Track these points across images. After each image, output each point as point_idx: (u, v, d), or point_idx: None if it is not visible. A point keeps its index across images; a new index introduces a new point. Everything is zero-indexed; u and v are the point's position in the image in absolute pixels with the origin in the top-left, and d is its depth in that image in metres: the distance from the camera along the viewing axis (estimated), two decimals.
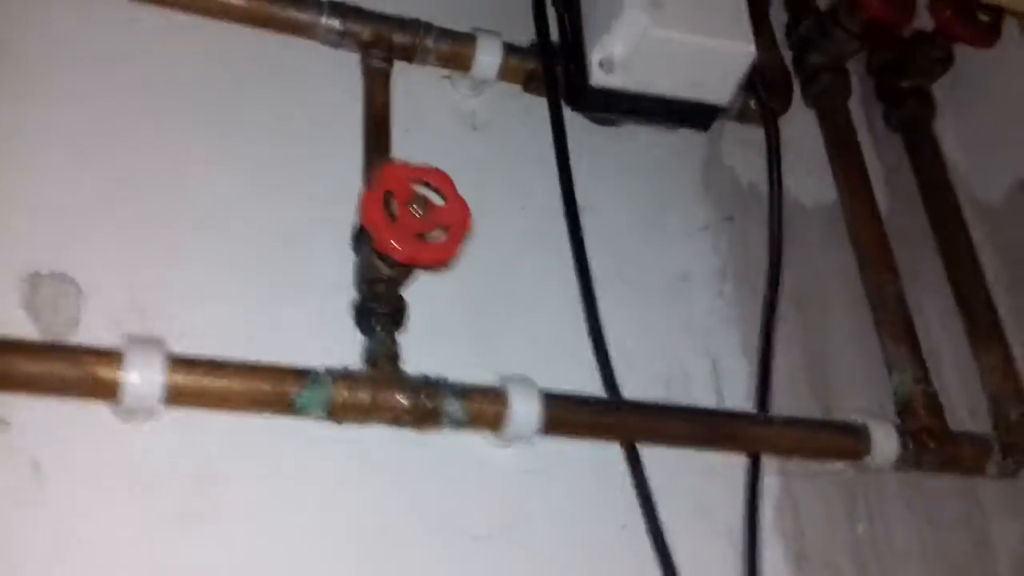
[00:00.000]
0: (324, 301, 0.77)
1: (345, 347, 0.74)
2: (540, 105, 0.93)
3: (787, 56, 1.07)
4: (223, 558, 0.67)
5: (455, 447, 0.76)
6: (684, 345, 0.91)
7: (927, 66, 1.10)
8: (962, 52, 1.09)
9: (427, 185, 0.69)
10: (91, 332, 0.69)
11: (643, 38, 0.78)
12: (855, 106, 1.10)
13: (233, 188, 0.78)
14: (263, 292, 0.76)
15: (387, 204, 0.66)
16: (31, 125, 0.73)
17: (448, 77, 0.92)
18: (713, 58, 0.82)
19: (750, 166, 1.03)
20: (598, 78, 0.82)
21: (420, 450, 0.75)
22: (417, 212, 0.67)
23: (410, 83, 0.88)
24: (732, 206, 1.00)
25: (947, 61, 1.09)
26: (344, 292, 0.77)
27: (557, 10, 0.90)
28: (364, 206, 0.66)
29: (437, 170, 0.69)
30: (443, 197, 0.69)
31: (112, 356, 0.63)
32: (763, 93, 0.92)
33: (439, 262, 0.67)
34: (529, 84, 0.92)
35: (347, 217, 0.79)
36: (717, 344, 0.92)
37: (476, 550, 0.75)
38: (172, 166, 0.77)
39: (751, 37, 0.81)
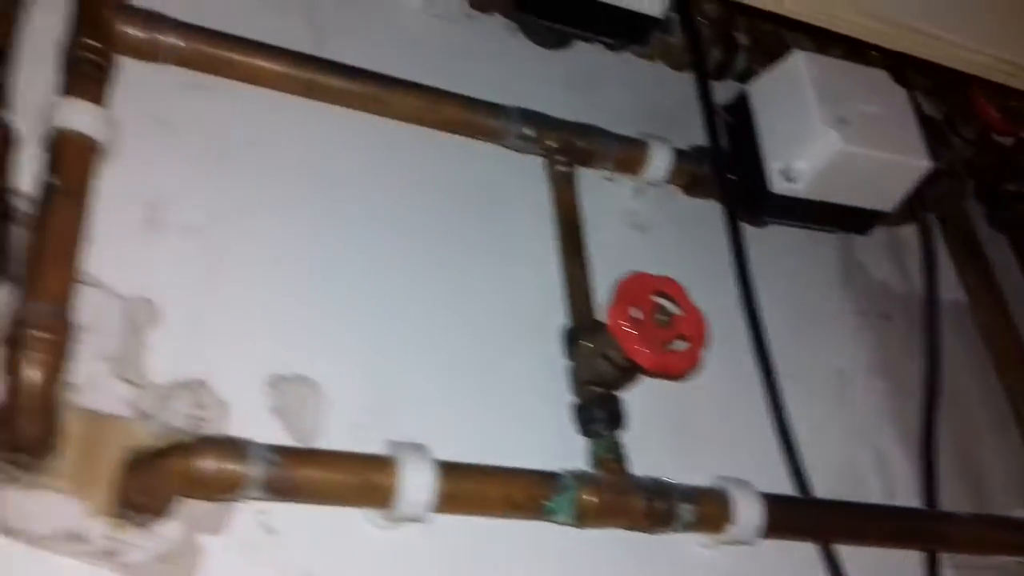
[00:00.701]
0: (536, 403, 0.78)
1: (562, 445, 0.76)
2: (699, 207, 0.97)
3: None
4: None
5: (669, 549, 0.77)
6: (848, 440, 0.94)
7: None
8: None
9: (662, 294, 0.71)
10: (334, 435, 0.69)
11: (834, 154, 0.82)
12: None
13: (444, 294, 0.80)
14: (480, 394, 0.77)
15: (631, 313, 0.69)
16: (275, 239, 0.75)
17: (610, 179, 0.95)
18: (892, 171, 0.87)
19: (880, 265, 1.08)
20: (779, 186, 0.86)
21: (637, 551, 0.76)
22: (661, 321, 0.69)
23: (580, 183, 0.91)
24: (873, 303, 1.04)
25: None
26: (555, 392, 0.78)
27: (725, 121, 0.94)
28: (611, 316, 0.69)
29: (671, 279, 0.72)
30: (678, 306, 0.71)
31: (385, 463, 0.63)
32: (925, 202, 0.96)
33: (685, 371, 0.69)
34: (692, 188, 0.96)
35: (552, 316, 0.81)
36: (878, 439, 0.95)
37: None
38: (391, 275, 0.79)
39: (926, 152, 0.86)
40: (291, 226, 0.77)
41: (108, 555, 0.60)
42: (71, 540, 0.59)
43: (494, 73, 0.94)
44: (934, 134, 1.10)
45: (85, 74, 0.68)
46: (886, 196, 0.91)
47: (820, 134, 0.84)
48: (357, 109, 0.82)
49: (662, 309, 0.70)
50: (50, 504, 0.60)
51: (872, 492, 0.91)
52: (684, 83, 1.06)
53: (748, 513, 0.74)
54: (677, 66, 1.05)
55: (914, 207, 0.98)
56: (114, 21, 0.71)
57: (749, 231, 0.99)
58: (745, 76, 1.07)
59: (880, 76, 0.90)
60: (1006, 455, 0.99)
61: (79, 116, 0.66)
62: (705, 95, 0.93)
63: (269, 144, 0.79)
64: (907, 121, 0.88)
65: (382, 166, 0.83)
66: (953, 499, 0.95)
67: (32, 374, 0.57)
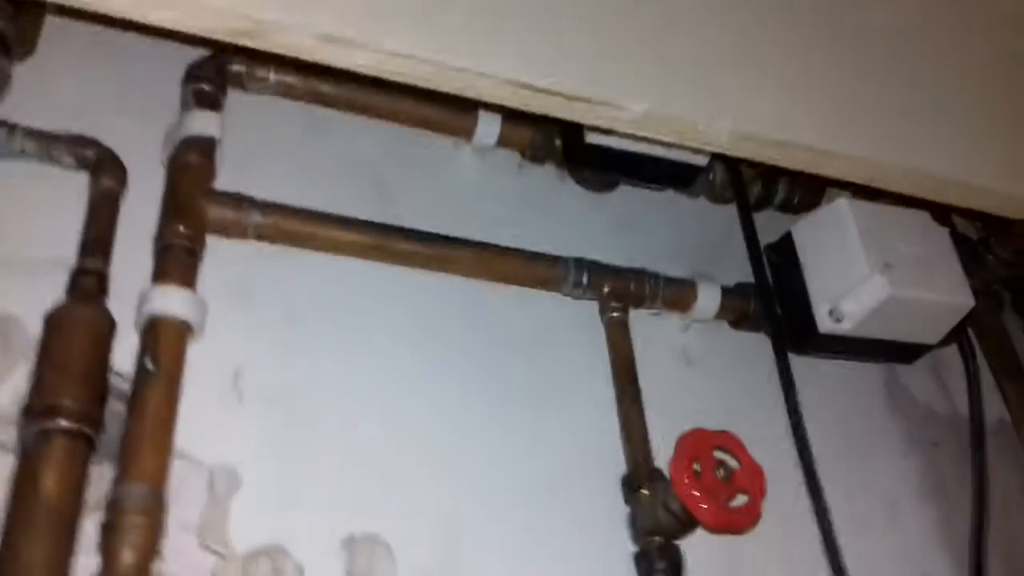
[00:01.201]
0: (599, 551, 0.81)
1: None
2: (745, 340, 1.00)
3: None
4: None
5: None
6: (899, 568, 0.95)
7: None
8: None
9: (722, 448, 0.74)
10: None
11: (878, 297, 0.86)
12: None
13: (506, 446, 0.84)
14: (544, 546, 0.80)
15: (693, 468, 0.72)
16: (347, 401, 0.80)
17: (657, 315, 0.99)
18: (937, 310, 0.90)
19: (923, 388, 1.10)
20: (827, 326, 0.89)
21: None
22: (721, 477, 0.72)
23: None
24: (919, 427, 1.06)
25: None
26: (615, 540, 0.81)
27: (770, 259, 0.98)
28: (674, 471, 0.72)
29: (729, 434, 0.75)
30: (737, 459, 0.74)
31: None
32: (968, 334, 0.99)
33: (747, 527, 0.72)
34: (739, 323, 0.99)
35: (611, 462, 0.84)
36: (929, 565, 0.96)
37: None
38: (455, 429, 0.83)
39: (968, 291, 0.89)
40: (362, 387, 0.81)
41: None
42: None
43: (547, 220, 0.99)
44: (969, 252, 1.13)
45: (177, 259, 0.73)
46: (931, 332, 0.94)
47: (867, 279, 0.87)
48: (422, 268, 0.87)
49: (722, 464, 0.73)
50: None
51: None
52: (726, 216, 1.10)
53: None
54: (719, 200, 1.09)
55: (955, 330, 1.00)
56: (206, 206, 0.77)
57: (798, 362, 1.02)
58: (784, 205, 1.11)
59: (922, 217, 0.94)
60: None
61: (172, 301, 0.71)
62: (751, 235, 0.97)
63: (341, 307, 0.84)
64: (950, 261, 0.92)
65: (446, 321, 0.88)
66: None
67: (127, 558, 0.61)
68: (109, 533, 0.62)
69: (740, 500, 0.73)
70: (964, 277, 0.91)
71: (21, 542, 0.58)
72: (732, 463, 0.74)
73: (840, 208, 0.91)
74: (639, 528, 0.80)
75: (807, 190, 1.11)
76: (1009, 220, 1.05)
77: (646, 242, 1.03)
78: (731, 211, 1.11)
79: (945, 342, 1.05)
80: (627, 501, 0.82)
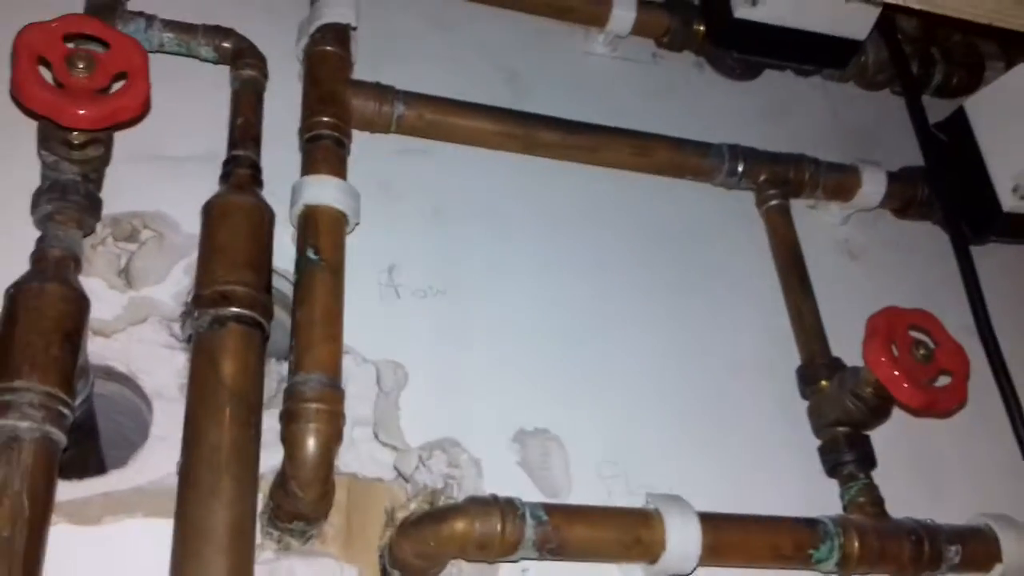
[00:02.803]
0: (776, 446, 0.77)
1: (806, 488, 0.74)
2: (909, 229, 0.94)
3: None
4: None
5: None
6: None
7: None
8: None
9: (918, 328, 0.69)
10: (584, 490, 0.69)
11: None
12: None
13: (671, 340, 0.80)
14: (716, 439, 0.76)
15: (891, 350, 0.66)
16: (504, 296, 0.77)
17: (813, 207, 0.93)
18: None
19: None
20: (1011, 204, 0.82)
21: None
22: (922, 357, 0.66)
23: None
24: None
25: None
26: (793, 433, 0.76)
27: (939, 138, 0.91)
28: (870, 353, 0.67)
29: (926, 312, 0.69)
30: (934, 340, 0.68)
31: (651, 517, 0.63)
32: None
33: (954, 407, 0.66)
34: (905, 210, 0.93)
35: (778, 356, 0.79)
36: None
37: None
38: (617, 323, 0.79)
39: None
40: (519, 282, 0.78)
41: None
42: None
43: (685, 109, 0.94)
44: None
45: (327, 149, 0.70)
46: None
47: None
48: (569, 160, 0.83)
49: (921, 344, 0.68)
50: (325, 570, 0.61)
51: None
52: (878, 101, 1.04)
53: (1018, 550, 0.70)
54: (869, 85, 1.02)
55: None
56: (349, 96, 0.73)
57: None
58: (942, 90, 1.04)
59: None
60: None
61: (327, 190, 0.68)
62: (920, 114, 0.90)
63: (488, 202, 0.80)
64: None
65: (598, 214, 0.84)
66: None
67: (311, 444, 0.59)
68: (290, 421, 0.59)
69: (942, 381, 0.67)
70: None
71: (208, 429, 0.56)
72: (930, 343, 0.68)
73: (1021, 75, 0.83)
74: (822, 420, 0.75)
75: (967, 71, 1.03)
76: None
77: (793, 131, 0.97)
78: (883, 96, 1.04)
79: None
80: (804, 394, 0.77)
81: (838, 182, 0.89)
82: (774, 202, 0.86)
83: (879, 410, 0.70)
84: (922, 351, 0.67)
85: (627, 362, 0.77)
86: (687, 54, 0.98)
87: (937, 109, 0.99)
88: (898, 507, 0.73)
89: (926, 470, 0.80)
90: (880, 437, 0.77)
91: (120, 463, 0.62)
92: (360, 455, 0.66)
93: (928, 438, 0.81)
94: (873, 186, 0.89)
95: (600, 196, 0.85)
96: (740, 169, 0.85)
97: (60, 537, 0.55)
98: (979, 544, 0.70)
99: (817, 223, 0.93)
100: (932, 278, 0.92)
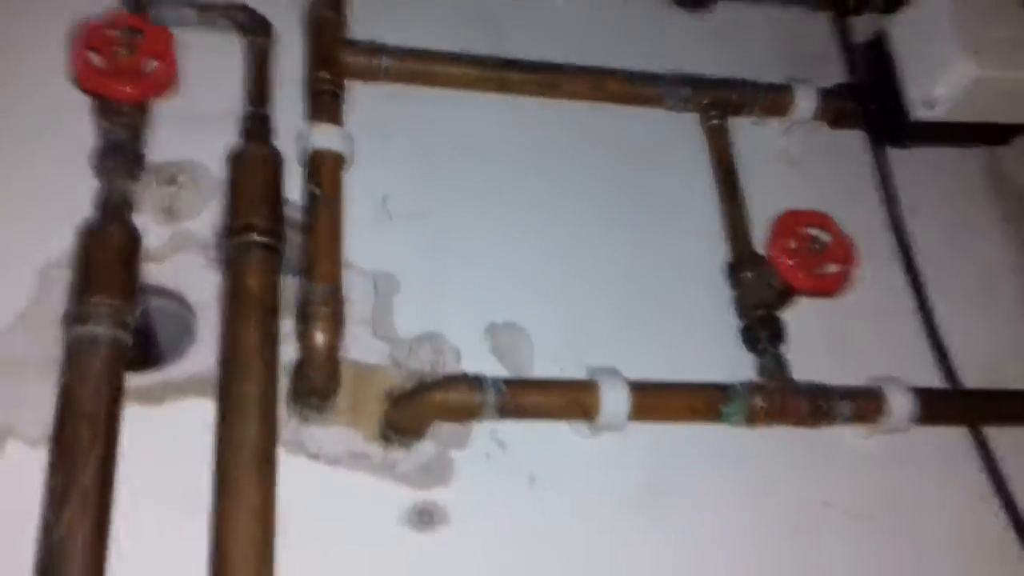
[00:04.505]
0: (708, 327, 0.93)
1: (730, 361, 0.90)
2: (843, 137, 1.07)
3: None
4: (674, 536, 0.83)
5: (831, 441, 0.90)
6: (998, 335, 1.03)
7: None
8: None
9: (816, 226, 0.83)
10: (543, 368, 0.86)
11: (968, 80, 0.91)
12: None
13: (622, 245, 0.95)
14: (658, 325, 0.92)
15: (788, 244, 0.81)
16: (481, 215, 0.93)
17: (758, 122, 1.06)
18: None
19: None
20: (919, 113, 0.95)
21: (802, 444, 0.89)
22: (815, 250, 0.81)
23: (731, 131, 1.03)
24: (1018, 207, 1.11)
25: None
26: (721, 317, 0.92)
27: (866, 57, 1.03)
28: (771, 248, 0.82)
29: (820, 212, 0.84)
30: (830, 235, 0.83)
31: (589, 385, 0.80)
32: None
33: (836, 291, 0.81)
34: (837, 122, 1.06)
35: (713, 255, 0.95)
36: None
37: (857, 527, 0.89)
38: (577, 233, 0.94)
39: None
40: (493, 203, 0.93)
41: (386, 468, 0.79)
42: (358, 458, 0.79)
43: (649, 41, 1.07)
44: None
45: (326, 102, 0.86)
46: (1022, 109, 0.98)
47: (957, 63, 0.92)
48: (538, 96, 0.97)
49: (815, 239, 0.83)
50: (337, 434, 0.80)
51: (1017, 382, 1.00)
52: (825, 22, 1.15)
53: (900, 406, 0.86)
54: (815, 7, 1.14)
55: None
56: (343, 54, 0.89)
57: (897, 154, 1.09)
58: (886, 6, 1.14)
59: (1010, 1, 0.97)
60: None
61: (328, 137, 0.84)
62: (844, 35, 1.02)
63: (467, 137, 0.96)
64: None
65: (561, 141, 0.99)
66: None
67: (320, 339, 0.76)
68: (303, 321, 0.77)
69: (832, 269, 0.82)
70: None
71: (240, 329, 0.74)
72: (825, 237, 0.83)
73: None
74: (743, 305, 0.90)
75: None
76: None
77: (747, 54, 1.10)
78: (830, 18, 1.16)
79: None
80: (732, 284, 0.93)
81: (774, 100, 1.02)
82: (714, 122, 1.00)
83: (784, 294, 0.85)
84: (815, 245, 0.82)
85: (584, 265, 0.93)
86: None
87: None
88: (812, 374, 0.89)
89: (838, 344, 0.95)
90: (800, 317, 0.93)
91: (176, 358, 0.81)
92: (362, 347, 0.84)
93: (843, 318, 0.96)
94: (806, 102, 1.02)
95: (563, 125, 0.99)
96: (687, 94, 0.99)
97: (132, 414, 0.74)
98: (868, 401, 0.86)
99: (760, 137, 1.06)
100: (863, 178, 1.05)
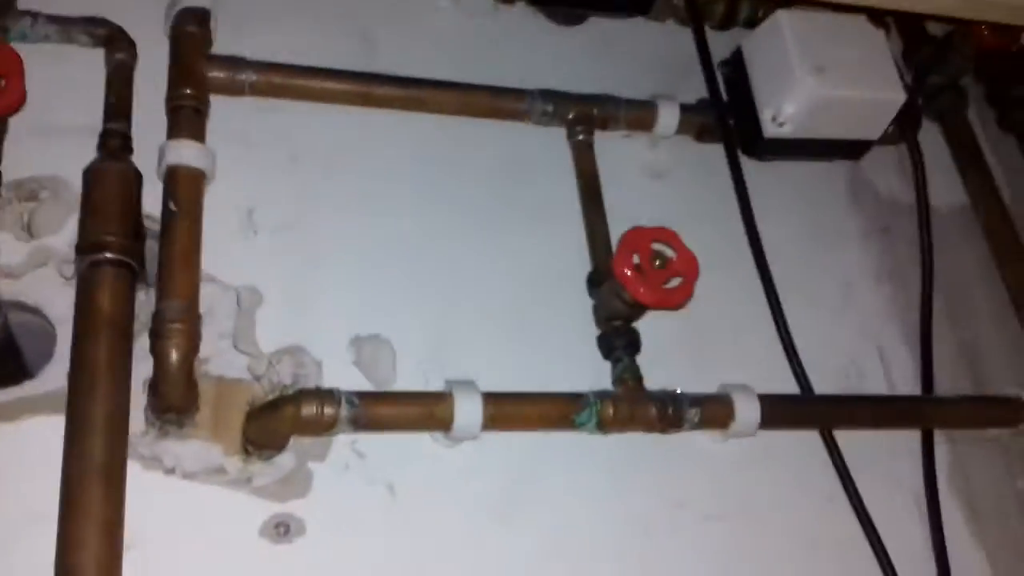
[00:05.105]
0: (570, 337, 0.95)
1: (592, 371, 0.93)
2: (710, 151, 1.11)
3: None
4: (529, 538, 0.86)
5: (686, 445, 0.93)
6: (854, 342, 1.08)
7: None
8: None
9: (661, 241, 0.87)
10: (406, 380, 0.89)
11: (811, 99, 0.95)
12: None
13: (488, 258, 0.97)
14: (523, 336, 0.95)
15: (632, 260, 0.85)
16: (347, 228, 0.94)
17: (628, 136, 1.09)
18: (869, 106, 0.99)
19: (888, 181, 1.19)
20: (771, 131, 0.99)
21: (658, 449, 0.93)
22: (658, 265, 0.85)
23: (599, 145, 1.06)
24: (879, 217, 1.16)
25: None
26: (584, 328, 0.95)
27: (723, 73, 1.07)
28: (616, 264, 0.85)
29: (666, 229, 0.87)
30: (673, 250, 0.86)
31: (444, 397, 0.82)
32: (908, 125, 1.08)
33: (678, 305, 0.85)
34: (701, 136, 1.09)
35: (579, 267, 0.98)
36: (882, 338, 1.08)
37: (710, 528, 0.93)
38: (443, 246, 0.96)
39: (900, 86, 0.98)
40: (361, 216, 0.94)
41: (242, 482, 0.80)
42: (214, 473, 0.80)
43: (522, 56, 1.10)
44: (934, 51, 1.20)
45: (187, 118, 0.87)
46: (870, 127, 1.03)
47: (801, 83, 0.96)
48: (404, 110, 0.99)
49: (659, 254, 0.86)
50: (196, 449, 0.81)
51: (875, 385, 1.05)
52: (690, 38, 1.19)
53: (747, 411, 0.90)
54: (685, 21, 1.17)
55: (903, 130, 1.09)
56: (205, 69, 0.90)
57: (762, 166, 1.13)
58: (750, 22, 1.18)
59: (858, 21, 1.02)
60: (1005, 343, 1.12)
61: (186, 153, 0.85)
62: (704, 52, 1.06)
63: (335, 150, 0.97)
64: (883, 60, 1.00)
65: (430, 155, 1.00)
66: (956, 384, 1.08)
67: (171, 356, 0.77)
68: (156, 338, 0.78)
69: (675, 282, 0.85)
70: (898, 76, 0.99)
71: (88, 347, 0.75)
72: (669, 253, 0.86)
73: (778, 19, 0.99)
74: (601, 316, 0.93)
75: (772, 5, 1.18)
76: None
77: (616, 69, 1.13)
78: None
79: (899, 137, 1.14)
80: (591, 295, 0.96)
81: (638, 116, 1.05)
82: (580, 137, 1.03)
83: (636, 307, 0.88)
84: (658, 260, 0.85)
85: (449, 278, 0.95)
86: (521, 4, 1.13)
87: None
88: (667, 383, 0.92)
89: (695, 353, 0.99)
90: (660, 328, 0.96)
91: (35, 374, 0.81)
92: (223, 361, 0.85)
93: (700, 327, 1.00)
94: (668, 118, 1.05)
95: (432, 140, 1.01)
96: (550, 110, 1.02)
97: None
98: (717, 407, 0.90)
99: (628, 151, 1.09)
100: (726, 189, 1.09)
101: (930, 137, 1.23)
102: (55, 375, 0.80)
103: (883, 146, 1.15)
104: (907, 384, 1.06)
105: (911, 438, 1.03)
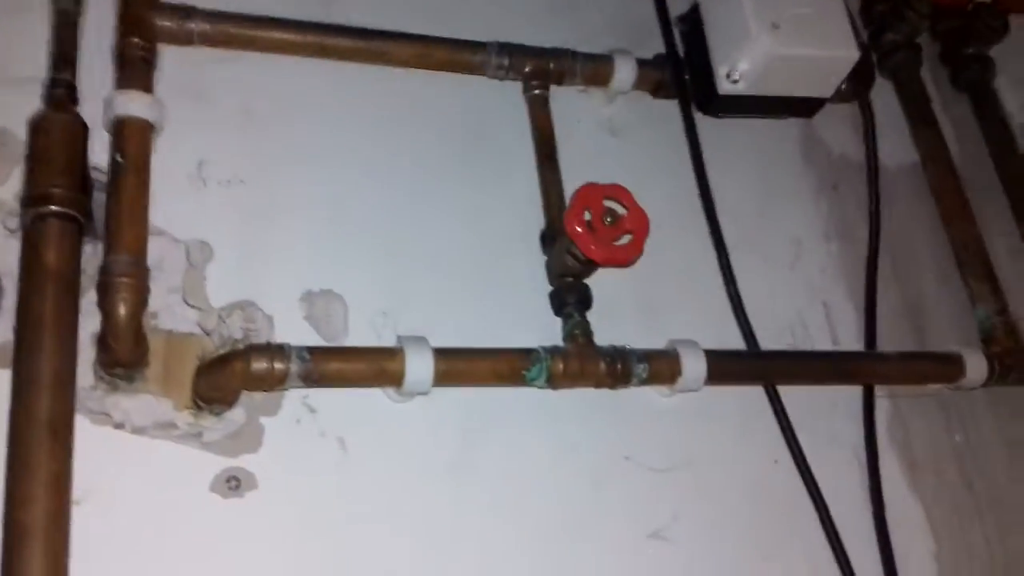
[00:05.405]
0: (523, 294, 0.96)
1: (544, 327, 0.94)
2: (666, 107, 1.11)
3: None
4: (480, 492, 0.87)
5: (635, 399, 0.95)
6: (801, 299, 1.09)
7: (987, 34, 1.25)
8: (1016, 20, 1.25)
9: (612, 198, 0.87)
10: (359, 335, 0.89)
11: (766, 56, 0.96)
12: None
13: (443, 212, 0.97)
14: (476, 292, 0.95)
15: (584, 216, 0.85)
16: (301, 182, 0.94)
17: (584, 91, 1.09)
18: (823, 64, 1.00)
19: (839, 138, 1.21)
20: (726, 87, 1.00)
21: (607, 403, 0.94)
22: (609, 222, 0.85)
23: (556, 100, 1.06)
24: (830, 176, 1.18)
25: (1004, 29, 1.25)
26: (537, 285, 0.96)
27: (680, 29, 1.07)
28: (567, 220, 0.85)
29: (618, 186, 0.87)
30: (625, 207, 0.87)
31: (395, 353, 0.83)
32: (860, 82, 1.08)
33: (628, 262, 0.86)
34: (657, 92, 1.10)
35: (533, 223, 0.98)
36: (829, 295, 1.10)
37: (658, 480, 0.95)
38: (398, 199, 0.96)
39: (854, 44, 0.99)
40: (314, 169, 0.94)
41: (192, 437, 0.81)
42: (164, 428, 0.80)
43: (483, 9, 1.08)
44: (891, 8, 1.20)
45: (135, 67, 0.85)
46: (824, 85, 1.04)
47: (755, 40, 0.97)
48: (361, 63, 0.98)
49: (611, 211, 0.86)
50: (146, 403, 0.81)
51: (821, 342, 1.07)
52: None
53: (693, 367, 0.91)
54: None
55: (856, 87, 1.10)
56: (153, 18, 0.88)
57: (716, 123, 1.13)
58: None
59: None
60: (949, 300, 1.14)
61: (134, 104, 0.84)
62: (661, 8, 1.05)
63: (290, 102, 0.96)
64: (837, 17, 1.00)
65: (386, 108, 1.00)
66: (899, 341, 1.11)
67: (119, 310, 0.77)
68: (104, 292, 0.77)
69: (626, 239, 0.86)
70: (852, 34, 0.99)
71: (33, 302, 0.75)
72: (620, 210, 0.87)
73: None
74: (553, 272, 0.94)
75: None
76: None
77: (578, 24, 1.12)
78: None
79: (852, 95, 1.14)
80: (544, 252, 0.97)
81: (594, 70, 1.05)
82: (536, 91, 1.02)
83: (586, 263, 0.89)
84: (609, 217, 0.85)
85: (405, 232, 0.95)
86: None
87: None
88: (617, 339, 0.93)
89: (645, 309, 1.00)
90: (610, 284, 0.97)
91: None
92: (174, 316, 0.85)
93: (651, 284, 1.01)
94: (625, 73, 1.05)
95: (389, 93, 1.00)
96: (506, 63, 1.01)
97: None
98: (664, 363, 0.91)
99: (586, 106, 1.09)
100: (680, 148, 1.09)
101: (884, 95, 1.24)
102: (2, 330, 0.79)
103: (836, 104, 1.16)
104: (851, 340, 1.08)
105: (853, 393, 1.05)
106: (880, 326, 1.09)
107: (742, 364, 0.97)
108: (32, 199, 0.77)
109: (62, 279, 0.76)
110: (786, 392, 1.00)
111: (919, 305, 1.14)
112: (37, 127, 0.80)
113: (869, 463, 1.01)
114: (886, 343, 1.09)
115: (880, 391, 1.06)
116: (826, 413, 1.03)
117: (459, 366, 0.85)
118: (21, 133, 0.84)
